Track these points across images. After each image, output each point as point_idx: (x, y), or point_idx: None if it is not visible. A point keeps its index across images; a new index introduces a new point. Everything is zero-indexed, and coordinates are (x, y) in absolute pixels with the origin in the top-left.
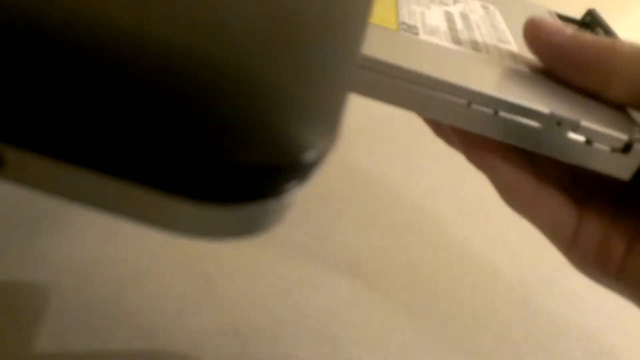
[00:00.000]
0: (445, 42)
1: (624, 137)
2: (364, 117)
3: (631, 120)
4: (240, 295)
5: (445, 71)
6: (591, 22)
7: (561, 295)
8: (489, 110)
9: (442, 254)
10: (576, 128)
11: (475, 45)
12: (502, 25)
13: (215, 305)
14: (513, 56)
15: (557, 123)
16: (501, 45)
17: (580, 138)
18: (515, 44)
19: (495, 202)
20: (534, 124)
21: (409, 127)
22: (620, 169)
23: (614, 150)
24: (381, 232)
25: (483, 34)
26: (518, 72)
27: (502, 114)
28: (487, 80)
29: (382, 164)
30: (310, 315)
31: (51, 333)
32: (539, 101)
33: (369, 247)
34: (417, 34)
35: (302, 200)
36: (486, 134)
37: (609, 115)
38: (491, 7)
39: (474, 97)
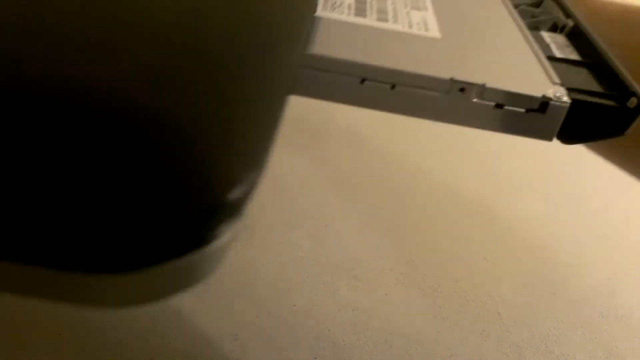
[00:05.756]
0: (345, 16)
1: (537, 95)
2: (367, 122)
3: (548, 76)
4: (238, 297)
5: (332, 48)
6: None
7: (566, 298)
8: (385, 85)
9: (442, 255)
10: (482, 92)
11: (381, 16)
12: None
13: (214, 307)
14: (424, 23)
15: (460, 89)
16: (414, 12)
17: (489, 103)
18: (432, 9)
19: (492, 203)
20: (434, 93)
21: (404, 128)
22: (541, 130)
23: (529, 111)
24: (382, 232)
25: (396, 2)
26: (421, 40)
27: (400, 87)
28: (380, 53)
29: (382, 164)
30: (310, 317)
31: (48, 334)
32: (438, 68)
33: (369, 247)
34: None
35: (303, 200)
36: (386, 110)
37: (521, 74)
38: None
39: (365, 72)
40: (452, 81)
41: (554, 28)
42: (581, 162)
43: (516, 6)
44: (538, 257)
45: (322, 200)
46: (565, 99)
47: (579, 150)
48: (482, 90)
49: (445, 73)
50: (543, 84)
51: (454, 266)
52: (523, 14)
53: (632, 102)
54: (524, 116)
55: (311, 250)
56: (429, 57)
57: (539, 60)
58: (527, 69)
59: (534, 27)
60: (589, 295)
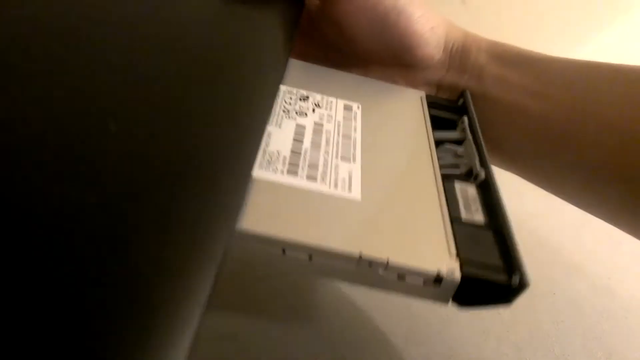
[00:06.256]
0: (278, 175)
1: (432, 271)
2: None
3: (447, 248)
4: (238, 297)
5: (257, 222)
6: (464, 103)
7: (566, 298)
8: (304, 256)
9: None
10: (386, 267)
11: (311, 173)
12: (357, 133)
13: (212, 307)
14: (349, 181)
15: (369, 264)
16: (343, 165)
17: (393, 275)
18: (359, 159)
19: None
20: (348, 265)
21: None
22: (438, 297)
23: (426, 283)
24: None
25: (329, 152)
26: (342, 203)
27: (316, 258)
28: (300, 224)
29: None
30: (310, 317)
31: None
32: (349, 243)
33: None
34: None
35: None
36: (307, 275)
37: (422, 247)
38: (354, 107)
39: (285, 245)
40: (360, 257)
41: (470, 173)
42: None
43: (441, 142)
44: (538, 257)
45: None
46: (457, 275)
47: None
48: (386, 265)
49: (355, 248)
50: (440, 258)
51: None
52: (445, 154)
53: (515, 281)
54: (422, 286)
55: None
56: (344, 229)
57: (444, 227)
58: (429, 239)
59: (453, 169)
60: (589, 295)
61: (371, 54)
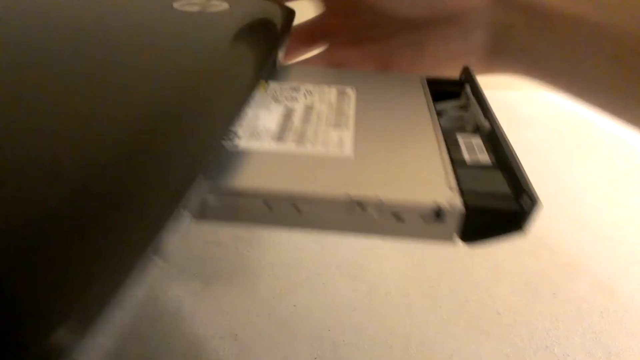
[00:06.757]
0: (266, 144)
1: (430, 204)
2: None
3: (447, 183)
4: (238, 297)
5: (241, 178)
6: (465, 79)
7: (565, 298)
8: (291, 209)
9: (443, 254)
10: (379, 206)
11: (299, 140)
12: (350, 109)
13: (214, 307)
14: (340, 143)
15: (359, 205)
16: (334, 132)
17: (388, 216)
18: (353, 127)
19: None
20: (338, 212)
21: None
22: (441, 235)
23: (426, 219)
24: None
25: (320, 124)
26: (332, 161)
27: (305, 208)
28: (286, 177)
29: None
30: (310, 317)
31: None
32: (337, 187)
33: (369, 247)
34: (233, 139)
35: None
36: (296, 228)
37: (419, 184)
38: (349, 90)
39: (268, 197)
40: (349, 199)
41: (477, 129)
42: (582, 161)
43: (440, 113)
44: (538, 257)
45: None
46: (458, 205)
47: (579, 150)
48: (379, 204)
49: (343, 191)
50: (439, 192)
51: (454, 266)
52: (449, 119)
53: (523, 203)
54: (423, 224)
55: (311, 250)
56: (332, 178)
57: (444, 167)
58: (428, 178)
59: (458, 130)
60: (589, 295)
61: (420, 9)
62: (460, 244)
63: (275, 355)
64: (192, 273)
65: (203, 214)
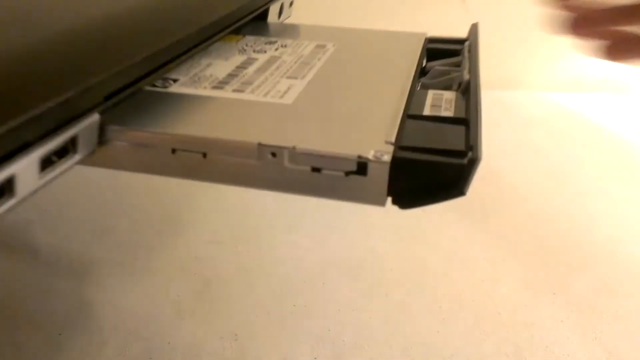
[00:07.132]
0: (200, 90)
1: (352, 155)
2: None
3: (385, 136)
4: (238, 297)
5: (146, 121)
6: (467, 38)
7: (565, 298)
8: (196, 154)
9: (443, 255)
10: (293, 156)
11: (240, 88)
12: (320, 62)
13: (214, 307)
14: (285, 91)
15: (272, 154)
16: (285, 81)
17: (304, 167)
18: (311, 76)
19: (491, 202)
20: (246, 160)
21: None
22: (369, 194)
23: (348, 174)
24: (382, 232)
25: (275, 74)
26: (263, 107)
27: (211, 155)
28: (194, 122)
29: None
30: (310, 317)
31: (48, 335)
32: (251, 134)
33: (369, 247)
34: (167, 87)
35: (302, 200)
36: (201, 179)
37: (348, 136)
38: (329, 45)
39: (174, 141)
40: (260, 146)
41: (461, 87)
42: (582, 161)
43: (427, 72)
44: (538, 257)
45: (322, 200)
46: (386, 157)
47: (580, 150)
48: (293, 153)
49: (256, 138)
50: (370, 144)
51: (454, 266)
52: (434, 76)
53: (467, 158)
54: (345, 179)
55: (311, 250)
56: (249, 124)
57: (391, 121)
58: (366, 130)
59: (445, 87)
60: (589, 295)
61: None
62: (394, 208)
63: (275, 355)
64: (192, 273)
65: (106, 157)
